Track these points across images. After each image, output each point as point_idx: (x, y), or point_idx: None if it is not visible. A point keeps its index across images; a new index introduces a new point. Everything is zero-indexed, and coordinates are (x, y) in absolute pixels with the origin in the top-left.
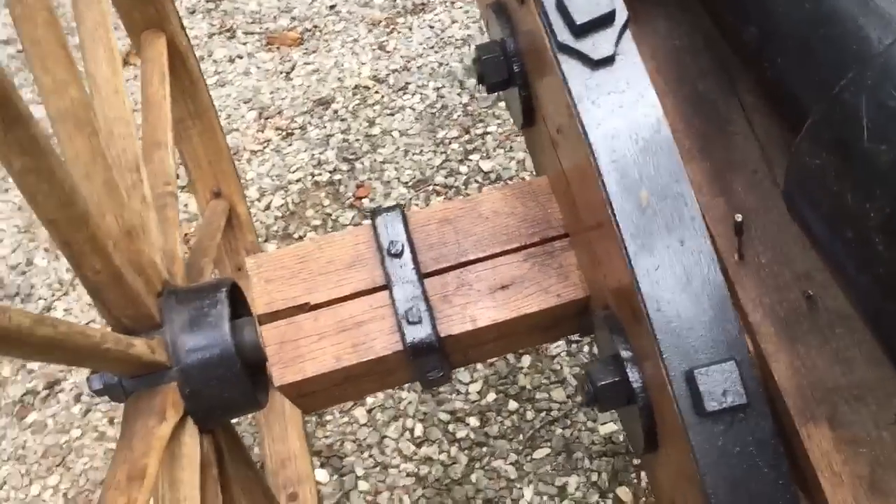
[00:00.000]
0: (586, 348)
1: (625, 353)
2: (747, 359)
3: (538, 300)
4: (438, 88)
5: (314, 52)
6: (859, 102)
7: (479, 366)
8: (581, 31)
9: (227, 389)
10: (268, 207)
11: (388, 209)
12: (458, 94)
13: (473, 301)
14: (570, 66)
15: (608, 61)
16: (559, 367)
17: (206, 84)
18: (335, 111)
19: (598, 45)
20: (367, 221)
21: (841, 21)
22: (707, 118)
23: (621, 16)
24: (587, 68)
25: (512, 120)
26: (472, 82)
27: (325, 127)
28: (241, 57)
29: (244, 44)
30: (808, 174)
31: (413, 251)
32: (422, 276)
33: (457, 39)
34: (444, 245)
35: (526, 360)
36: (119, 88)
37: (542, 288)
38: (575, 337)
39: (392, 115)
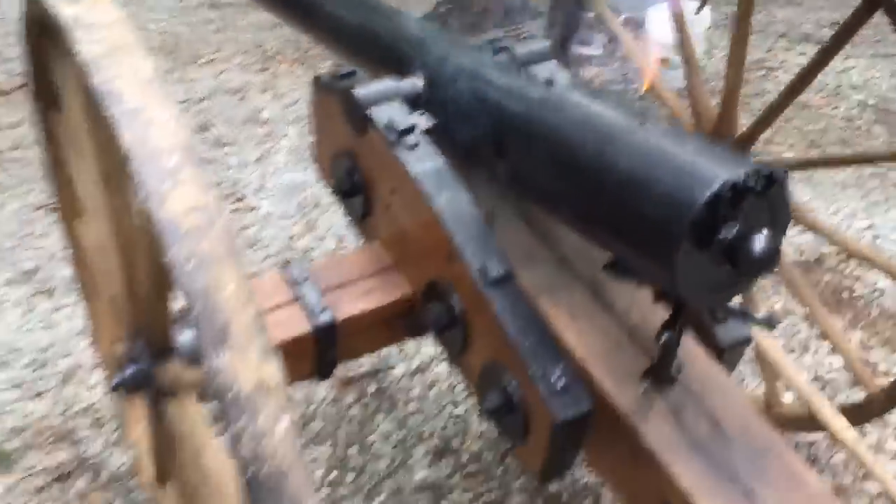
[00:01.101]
0: None
1: (446, 287)
2: (506, 257)
3: (392, 294)
4: None
5: None
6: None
7: None
8: (401, 134)
9: None
10: None
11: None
12: None
13: (355, 300)
14: (398, 151)
15: (416, 146)
16: None
17: None
18: None
19: (409, 140)
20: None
21: None
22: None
23: (420, 127)
24: (407, 150)
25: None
26: None
27: None
28: None
29: None
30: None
31: (313, 279)
32: (320, 291)
33: None
34: (329, 278)
35: None
36: None
37: (391, 288)
38: None
39: None
